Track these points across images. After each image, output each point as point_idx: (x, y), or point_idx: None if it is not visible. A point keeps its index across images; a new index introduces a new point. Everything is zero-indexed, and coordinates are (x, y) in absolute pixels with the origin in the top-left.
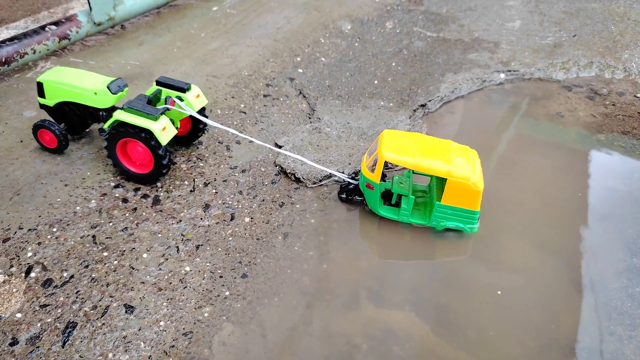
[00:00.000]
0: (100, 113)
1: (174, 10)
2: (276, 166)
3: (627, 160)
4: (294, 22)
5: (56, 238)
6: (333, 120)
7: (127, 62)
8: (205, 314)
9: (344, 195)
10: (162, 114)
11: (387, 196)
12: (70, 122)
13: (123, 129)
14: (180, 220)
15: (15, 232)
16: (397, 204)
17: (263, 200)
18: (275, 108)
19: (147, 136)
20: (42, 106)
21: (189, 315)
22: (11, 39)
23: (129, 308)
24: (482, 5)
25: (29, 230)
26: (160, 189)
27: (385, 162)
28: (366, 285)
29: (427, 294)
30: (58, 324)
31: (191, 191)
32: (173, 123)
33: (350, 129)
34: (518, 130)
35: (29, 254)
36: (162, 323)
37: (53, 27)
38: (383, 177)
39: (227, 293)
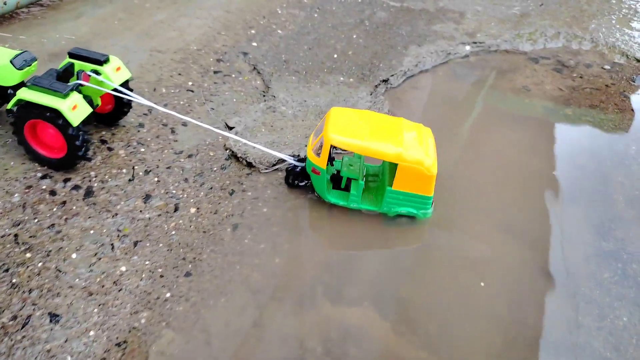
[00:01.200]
0: (8, 91)
1: None
2: (226, 150)
3: (596, 135)
4: None
5: None
6: (289, 98)
7: (61, 37)
8: (142, 320)
9: (290, 180)
10: (72, 90)
11: (336, 179)
12: None
13: (28, 109)
14: (117, 214)
15: None
16: (347, 188)
17: (211, 188)
18: (226, 85)
19: (53, 116)
20: None
21: (124, 323)
22: None
23: (54, 317)
24: None
25: None
26: (94, 179)
27: (331, 145)
28: (322, 280)
29: (387, 287)
30: None
31: (130, 180)
32: (92, 100)
33: (307, 108)
34: (484, 106)
35: None
36: (92, 332)
37: None
38: (331, 158)
39: (167, 295)
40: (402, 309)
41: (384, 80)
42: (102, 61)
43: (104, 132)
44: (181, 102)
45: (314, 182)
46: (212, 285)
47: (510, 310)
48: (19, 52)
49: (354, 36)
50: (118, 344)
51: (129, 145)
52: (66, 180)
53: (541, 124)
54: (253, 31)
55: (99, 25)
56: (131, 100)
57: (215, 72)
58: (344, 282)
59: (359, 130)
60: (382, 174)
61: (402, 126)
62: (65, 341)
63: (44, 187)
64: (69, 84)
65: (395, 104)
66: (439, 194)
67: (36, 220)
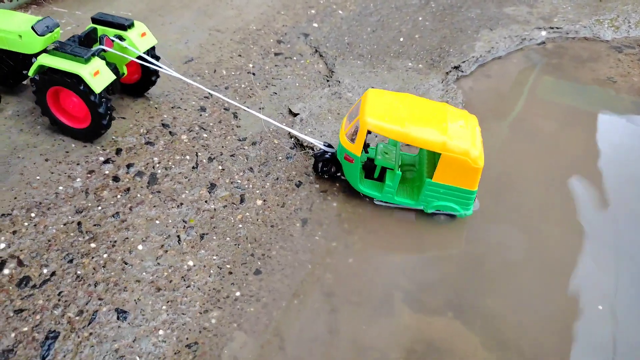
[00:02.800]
0: (33, 60)
1: None
2: (291, 137)
3: None
4: None
5: (35, 225)
6: (355, 84)
7: (117, 12)
8: (213, 320)
9: (319, 168)
10: (94, 55)
11: (368, 167)
12: (1, 72)
13: (49, 75)
14: (182, 204)
15: None
16: (380, 178)
17: (277, 178)
18: (288, 69)
19: (74, 82)
20: None
21: (193, 322)
22: None
23: (122, 313)
24: None
25: (3, 215)
26: (157, 165)
27: (367, 130)
28: (399, 284)
29: (470, 296)
30: (36, 334)
31: (194, 168)
32: (117, 68)
33: None
34: (564, 99)
35: (2, 245)
36: (161, 332)
37: None
38: (366, 145)
39: (237, 294)
40: (490, 322)
41: (455, 67)
42: (126, 26)
43: (165, 116)
44: (242, 86)
45: (346, 170)
46: (284, 285)
47: (612, 331)
48: (40, 18)
49: (420, 18)
50: (188, 346)
51: (191, 130)
52: (129, 166)
53: (631, 122)
54: (313, 11)
55: (156, 2)
56: (158, 69)
57: (276, 54)
58: (422, 288)
59: (398, 114)
60: (419, 164)
61: (447, 113)
62: (134, 340)
63: (106, 172)
64: (90, 49)
65: (468, 93)
66: (505, 191)
67: (100, 208)
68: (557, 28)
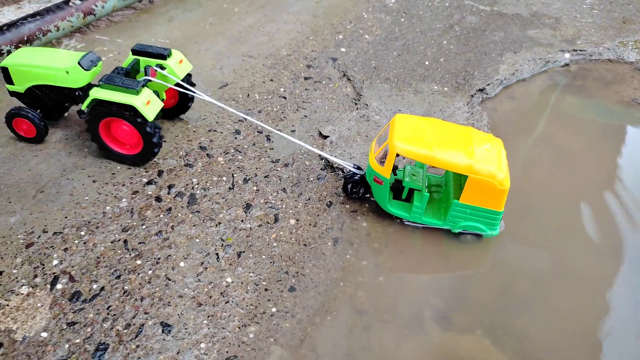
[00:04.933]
0: (77, 93)
1: None
2: (322, 159)
3: None
4: None
5: (84, 243)
6: (382, 107)
7: (156, 40)
8: (251, 335)
9: (349, 189)
10: (143, 86)
11: (396, 188)
12: (46, 106)
13: (103, 107)
14: (220, 223)
15: (40, 236)
16: (408, 199)
17: (309, 199)
18: (317, 92)
19: (131, 113)
20: (12, 93)
21: (233, 336)
22: (33, 15)
23: (166, 327)
24: None
25: (55, 233)
26: (196, 186)
27: (396, 154)
28: (429, 302)
29: (499, 315)
30: (87, 346)
31: (230, 188)
32: (157, 95)
33: None
34: (588, 120)
35: (55, 262)
36: (202, 345)
37: (77, 1)
38: (395, 167)
39: (273, 310)
40: (518, 341)
41: (480, 90)
42: (165, 55)
43: (202, 139)
44: (274, 109)
45: (375, 191)
46: (317, 302)
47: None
48: (84, 53)
49: (444, 42)
50: (228, 359)
51: (227, 153)
52: (170, 187)
53: None
54: (340, 36)
55: (191, 29)
56: (194, 94)
57: (305, 79)
58: (451, 306)
59: (425, 138)
60: (445, 185)
61: (472, 136)
62: (178, 352)
63: (149, 192)
64: (138, 80)
65: (493, 115)
66: (530, 211)
67: (144, 227)
68: (581, 50)
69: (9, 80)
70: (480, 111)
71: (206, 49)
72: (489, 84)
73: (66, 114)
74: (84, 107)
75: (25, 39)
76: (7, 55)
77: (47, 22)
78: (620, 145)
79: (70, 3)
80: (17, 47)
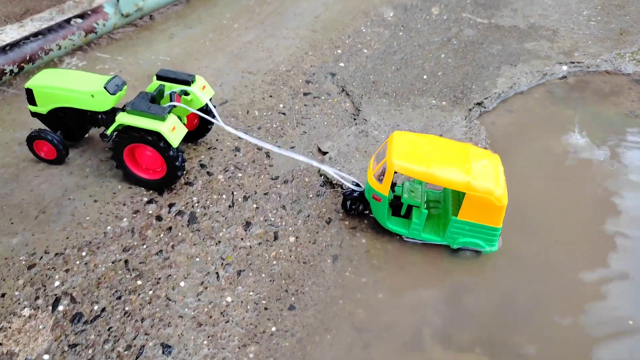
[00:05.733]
0: (100, 116)
1: None
2: (321, 176)
3: None
4: (333, 9)
5: (85, 264)
6: (381, 122)
7: (157, 58)
8: (251, 355)
9: (348, 206)
10: (169, 112)
11: (395, 205)
12: (67, 128)
13: (128, 133)
14: (220, 242)
15: (41, 257)
16: (407, 215)
17: (308, 216)
18: (316, 108)
19: (155, 139)
20: (34, 114)
21: (233, 356)
22: (35, 35)
23: (167, 348)
24: None
25: (56, 254)
26: (196, 205)
27: (394, 171)
28: (428, 320)
29: (498, 332)
30: None
31: (230, 206)
32: (180, 120)
33: None
34: (586, 133)
35: (57, 283)
36: None
37: (79, 20)
38: (393, 184)
39: (273, 329)
40: (518, 358)
41: (478, 104)
42: (189, 81)
43: (202, 157)
44: (274, 125)
45: (374, 208)
46: (317, 320)
47: None
48: (110, 77)
49: (442, 55)
50: None
51: (226, 170)
52: (170, 206)
53: None
54: (339, 51)
55: (191, 46)
56: (214, 121)
57: (305, 94)
58: (451, 323)
59: (423, 156)
60: (444, 201)
61: (470, 153)
62: None
63: (150, 212)
64: (164, 106)
65: (491, 129)
66: (528, 226)
67: (145, 246)
68: (578, 62)
69: (32, 102)
70: (479, 125)
71: (206, 65)
72: (486, 98)
73: (86, 136)
74: (109, 131)
75: (28, 58)
76: (10, 74)
77: (49, 41)
78: (619, 157)
79: (72, 22)
80: (20, 67)
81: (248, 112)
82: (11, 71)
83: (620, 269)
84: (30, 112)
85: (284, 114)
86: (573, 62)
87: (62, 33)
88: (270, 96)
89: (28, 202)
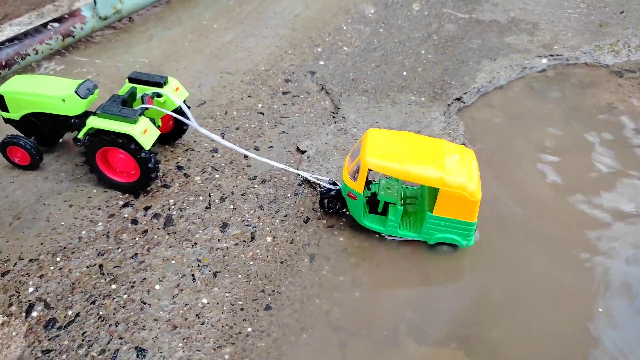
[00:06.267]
0: (72, 120)
1: None
2: (298, 175)
3: None
4: (313, 7)
5: (60, 269)
6: (360, 120)
7: (135, 60)
8: (226, 356)
9: (325, 204)
10: (140, 115)
11: (373, 203)
12: (41, 133)
13: (99, 137)
14: (196, 243)
15: (15, 264)
16: (384, 212)
17: (286, 215)
18: (295, 107)
19: (127, 141)
20: (7, 120)
21: (208, 358)
22: (11, 40)
23: (141, 351)
24: None
25: (30, 260)
26: (172, 207)
27: (368, 169)
28: (405, 316)
29: (474, 327)
30: None
31: (207, 208)
32: (154, 122)
33: None
34: (564, 126)
35: (30, 289)
36: None
37: (55, 24)
38: (368, 182)
39: (249, 329)
40: (493, 352)
41: (457, 99)
42: (162, 83)
43: (179, 158)
44: (252, 125)
45: (350, 206)
46: (293, 320)
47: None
48: (81, 81)
49: (423, 51)
50: None
51: (204, 172)
52: (146, 209)
53: (630, 148)
54: (319, 49)
55: (170, 47)
56: (188, 123)
57: (284, 93)
58: (427, 319)
59: (397, 153)
60: (420, 197)
61: (444, 149)
62: None
63: (125, 215)
64: (135, 108)
65: (470, 124)
66: (506, 221)
67: (120, 250)
68: (558, 55)
69: (4, 108)
70: (457, 120)
71: (185, 67)
72: (465, 93)
73: (61, 140)
74: (80, 135)
75: (4, 63)
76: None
77: (26, 46)
78: (598, 150)
79: (49, 26)
80: None
81: (226, 112)
82: None
83: (598, 263)
84: (3, 118)
85: (262, 113)
86: (552, 55)
87: (39, 37)
88: (249, 96)
89: (2, 208)
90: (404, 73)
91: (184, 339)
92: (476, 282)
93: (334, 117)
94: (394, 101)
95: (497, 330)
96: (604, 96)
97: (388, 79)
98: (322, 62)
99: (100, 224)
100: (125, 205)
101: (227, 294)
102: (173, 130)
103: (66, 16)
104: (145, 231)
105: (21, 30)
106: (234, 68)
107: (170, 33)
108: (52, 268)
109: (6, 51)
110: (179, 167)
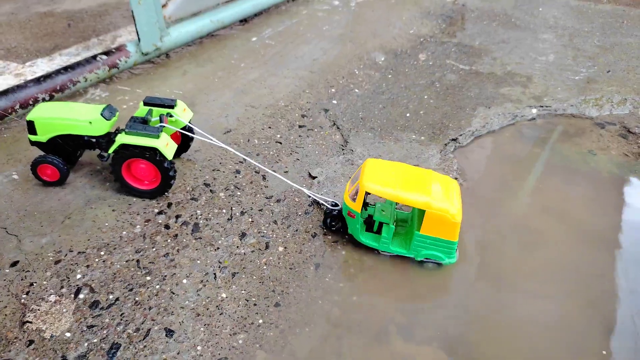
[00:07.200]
0: (95, 140)
1: (215, 40)
2: (309, 197)
3: None
4: (330, 53)
5: (103, 261)
6: (366, 153)
7: (171, 91)
8: (240, 341)
9: (328, 222)
10: (160, 131)
11: (369, 222)
12: (65, 153)
13: (128, 150)
14: (218, 248)
15: (66, 255)
16: (379, 231)
17: (297, 230)
18: (310, 139)
19: (152, 154)
20: (33, 143)
21: (224, 342)
22: (66, 68)
23: (169, 332)
24: (516, 38)
25: (79, 253)
26: (199, 217)
27: (365, 192)
28: (394, 319)
29: (454, 331)
30: (103, 345)
31: (229, 219)
32: None
33: None
34: (547, 168)
35: (78, 276)
36: (199, 348)
37: (104, 56)
38: (366, 204)
39: (260, 321)
40: (470, 351)
41: (453, 139)
42: (173, 105)
43: (207, 177)
44: (271, 152)
45: (349, 224)
46: (298, 315)
47: None
48: (104, 106)
49: (425, 97)
50: (220, 359)
51: (227, 189)
52: (177, 217)
53: (605, 188)
54: (333, 90)
55: (202, 82)
56: (194, 137)
57: (300, 127)
58: (413, 322)
59: (391, 179)
60: (411, 220)
61: (431, 178)
62: (178, 353)
63: (160, 221)
64: (156, 126)
65: (464, 162)
66: (489, 248)
67: (154, 249)
68: (547, 106)
69: (33, 132)
70: (452, 158)
71: (214, 99)
72: (461, 135)
73: (80, 158)
74: (110, 151)
75: (59, 87)
76: (43, 102)
77: (77, 74)
78: (576, 187)
79: (98, 58)
80: (51, 96)
81: (249, 140)
82: (43, 99)
83: (568, 280)
84: (30, 141)
85: (280, 142)
86: (542, 106)
87: (89, 67)
88: (269, 127)
89: (56, 209)
90: (407, 114)
91: (205, 325)
92: (457, 294)
93: (343, 149)
94: (397, 139)
95: (475, 334)
96: (586, 144)
97: (393, 119)
98: (335, 101)
99: (138, 226)
100: (159, 213)
101: (243, 291)
102: (180, 145)
103: (113, 50)
104: (176, 235)
105: (70, 60)
106: (257, 102)
107: (202, 69)
108: (97, 260)
109: (61, 77)
110: (206, 184)
